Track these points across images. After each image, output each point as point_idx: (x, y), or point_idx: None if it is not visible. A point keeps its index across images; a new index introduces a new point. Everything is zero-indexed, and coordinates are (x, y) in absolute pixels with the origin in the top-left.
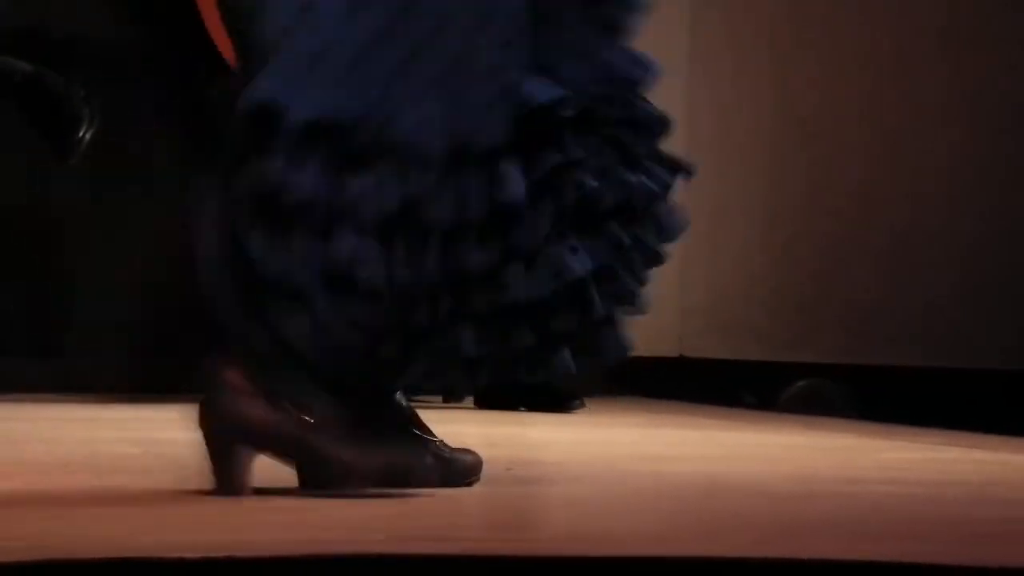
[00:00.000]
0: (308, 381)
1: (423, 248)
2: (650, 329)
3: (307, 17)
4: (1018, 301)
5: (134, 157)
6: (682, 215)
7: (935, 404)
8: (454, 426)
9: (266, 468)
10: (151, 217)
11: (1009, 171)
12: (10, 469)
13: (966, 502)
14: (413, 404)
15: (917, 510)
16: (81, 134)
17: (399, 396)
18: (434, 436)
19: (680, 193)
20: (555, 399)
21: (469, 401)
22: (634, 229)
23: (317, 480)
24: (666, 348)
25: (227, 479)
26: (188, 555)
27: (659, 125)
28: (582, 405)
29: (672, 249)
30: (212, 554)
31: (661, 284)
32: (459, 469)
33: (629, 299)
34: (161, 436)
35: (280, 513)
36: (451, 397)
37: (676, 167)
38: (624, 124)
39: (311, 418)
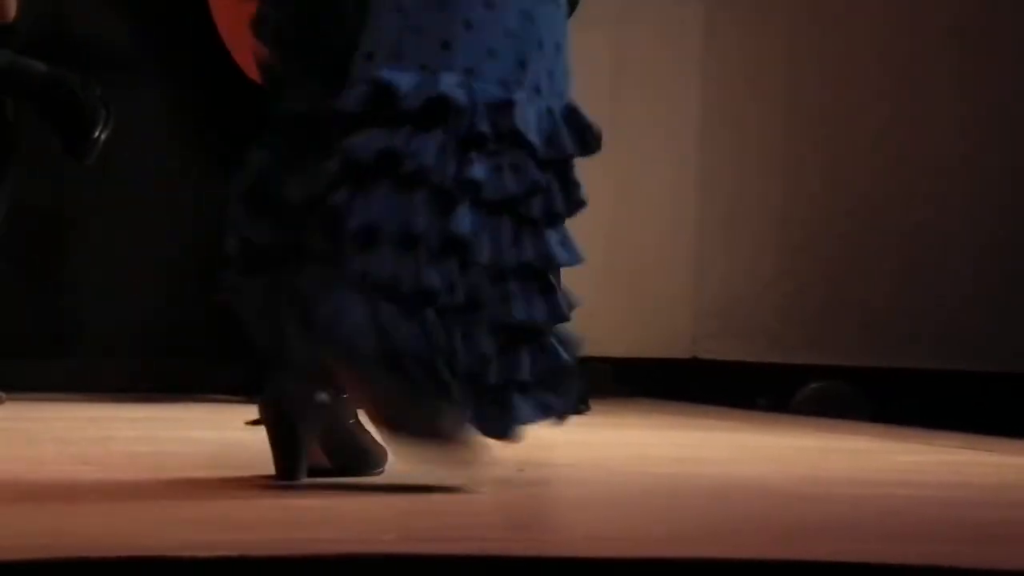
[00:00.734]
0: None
1: (520, 235)
2: (664, 331)
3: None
4: None
5: (147, 157)
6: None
7: (950, 407)
8: None
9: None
10: (165, 217)
11: None
12: (24, 467)
13: (981, 505)
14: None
15: (931, 513)
16: (97, 134)
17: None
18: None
19: (695, 196)
20: None
21: None
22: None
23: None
24: (679, 350)
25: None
26: (201, 554)
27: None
28: (588, 408)
29: (686, 249)
30: (225, 553)
31: (675, 286)
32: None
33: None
34: (173, 435)
35: (292, 512)
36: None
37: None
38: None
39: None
